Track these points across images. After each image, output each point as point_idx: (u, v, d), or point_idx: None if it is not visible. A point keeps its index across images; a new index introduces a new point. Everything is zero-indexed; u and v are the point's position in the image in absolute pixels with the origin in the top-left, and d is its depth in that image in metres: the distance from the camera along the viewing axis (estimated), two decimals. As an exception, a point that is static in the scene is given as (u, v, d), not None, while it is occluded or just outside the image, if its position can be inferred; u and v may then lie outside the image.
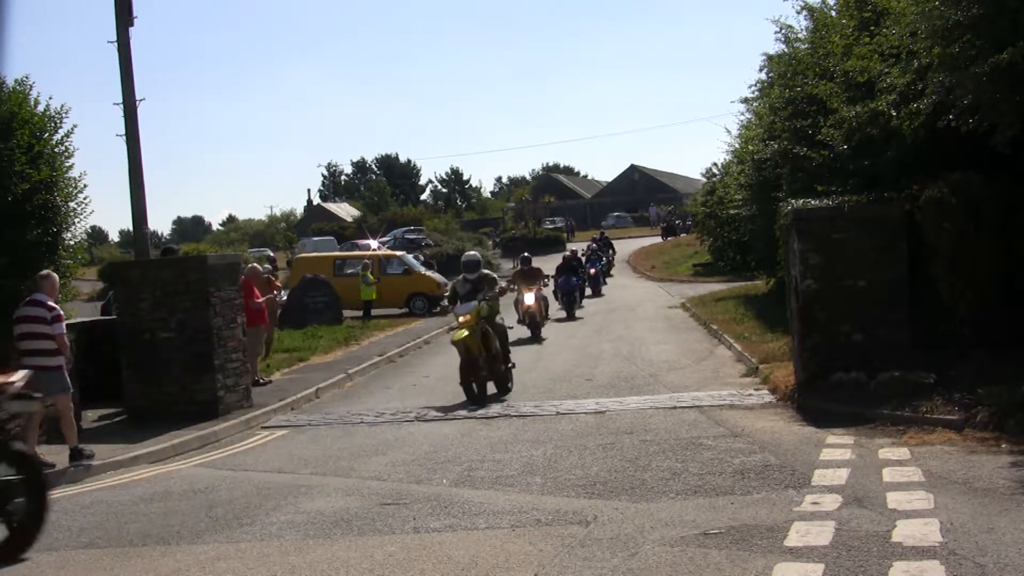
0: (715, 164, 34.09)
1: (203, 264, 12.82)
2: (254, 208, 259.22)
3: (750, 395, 11.86)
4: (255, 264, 15.65)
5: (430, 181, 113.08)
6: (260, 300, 15.25)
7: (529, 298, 20.16)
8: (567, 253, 28.21)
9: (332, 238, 51.85)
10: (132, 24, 15.97)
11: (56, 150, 11.69)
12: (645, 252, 46.76)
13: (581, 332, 20.91)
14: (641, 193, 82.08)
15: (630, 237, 58.12)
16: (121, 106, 15.87)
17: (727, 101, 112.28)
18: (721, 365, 14.87)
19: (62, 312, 10.16)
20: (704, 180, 41.24)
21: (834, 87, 12.94)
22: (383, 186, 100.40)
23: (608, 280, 36.08)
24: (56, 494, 9.05)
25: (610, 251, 40.56)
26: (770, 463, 8.18)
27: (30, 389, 7.99)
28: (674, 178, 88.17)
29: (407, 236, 49.85)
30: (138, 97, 15.94)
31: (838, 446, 8.67)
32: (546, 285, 21.46)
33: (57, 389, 9.84)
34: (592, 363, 15.99)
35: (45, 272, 10.31)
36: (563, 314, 24.37)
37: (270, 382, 15.04)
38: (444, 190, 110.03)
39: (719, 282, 29.66)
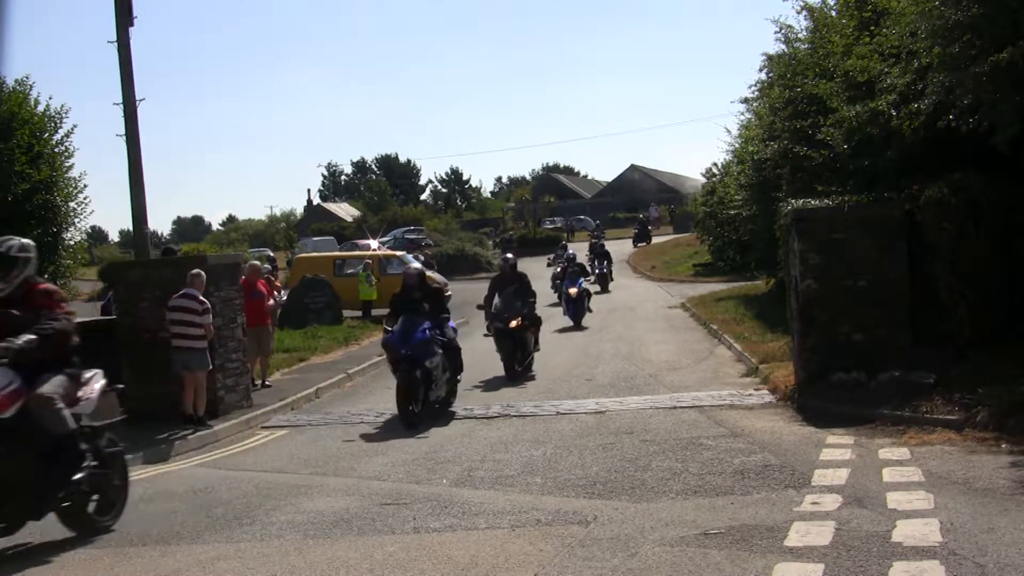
0: (715, 164, 34.07)
1: (203, 264, 12.82)
2: (254, 208, 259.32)
3: (750, 395, 11.86)
4: (254, 262, 15.64)
5: (430, 181, 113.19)
6: (270, 300, 15.25)
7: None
8: (508, 258, 16.89)
9: (332, 238, 51.84)
10: (132, 24, 15.95)
11: (56, 150, 11.70)
12: (645, 252, 46.75)
13: (581, 332, 20.90)
14: (641, 193, 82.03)
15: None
16: (121, 106, 15.85)
17: (727, 101, 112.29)
18: (721, 365, 14.87)
19: (209, 305, 11.91)
20: (704, 180, 41.16)
21: (834, 87, 12.94)
22: (383, 186, 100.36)
23: (600, 296, 29.22)
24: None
25: (605, 262, 32.81)
26: (770, 463, 8.18)
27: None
28: (674, 178, 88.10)
29: (407, 236, 49.89)
30: (138, 97, 15.91)
31: (838, 446, 8.67)
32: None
33: (203, 366, 11.79)
34: (592, 363, 15.99)
35: (196, 271, 12.01)
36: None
37: (269, 386, 14.97)
38: (444, 190, 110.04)
39: (719, 282, 29.64)
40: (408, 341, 11.72)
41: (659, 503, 7.16)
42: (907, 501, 6.62)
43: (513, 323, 14.71)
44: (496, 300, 15.16)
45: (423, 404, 11.50)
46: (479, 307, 16.22)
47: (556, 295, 25.80)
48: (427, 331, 11.86)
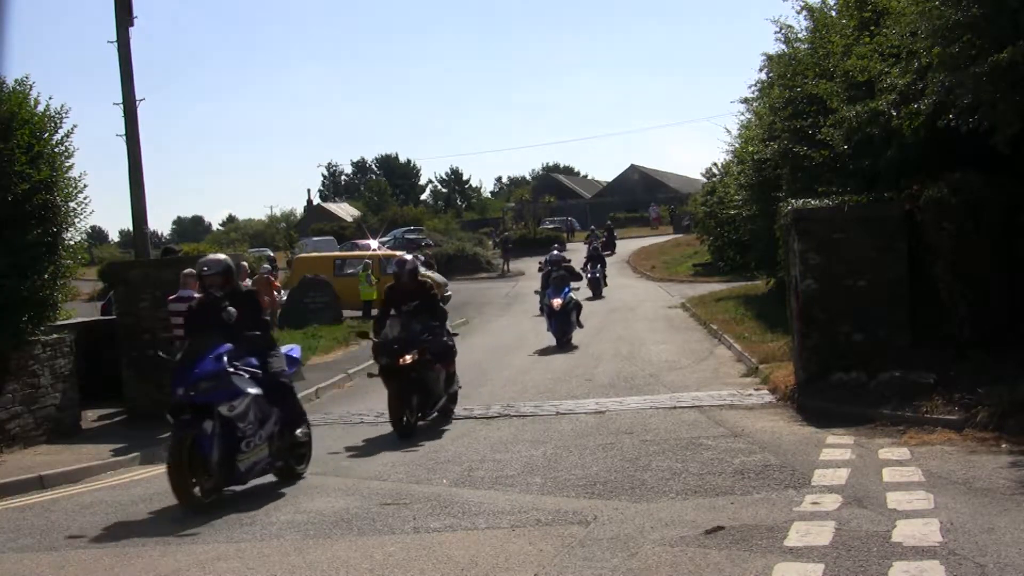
0: (715, 164, 34.07)
1: (202, 264, 12.82)
2: (254, 208, 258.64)
3: (750, 395, 11.87)
4: (242, 263, 15.61)
5: (430, 181, 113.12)
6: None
7: None
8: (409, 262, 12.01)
9: (332, 238, 51.83)
10: (132, 24, 15.96)
11: (56, 150, 11.64)
12: (645, 252, 46.76)
13: (581, 331, 20.87)
14: (641, 193, 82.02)
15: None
16: (121, 106, 15.86)
17: (727, 101, 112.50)
18: (721, 365, 14.87)
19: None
20: (704, 180, 41.09)
21: (834, 87, 12.95)
22: (383, 186, 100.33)
23: (594, 301, 26.86)
24: (56, 495, 9.09)
25: (599, 265, 30.25)
26: (770, 463, 8.18)
27: None
28: (674, 178, 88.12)
29: (407, 236, 49.83)
30: (138, 97, 15.94)
31: (838, 446, 8.67)
32: None
33: None
34: (592, 363, 15.99)
35: (188, 271, 11.73)
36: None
37: None
38: (444, 190, 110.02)
39: (719, 282, 29.66)
40: (188, 376, 7.74)
41: (659, 503, 7.16)
42: (907, 501, 6.61)
43: (408, 357, 10.68)
44: (387, 324, 11.09)
45: (222, 476, 7.88)
46: (360, 334, 12.24)
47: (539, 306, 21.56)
48: (224, 358, 7.89)
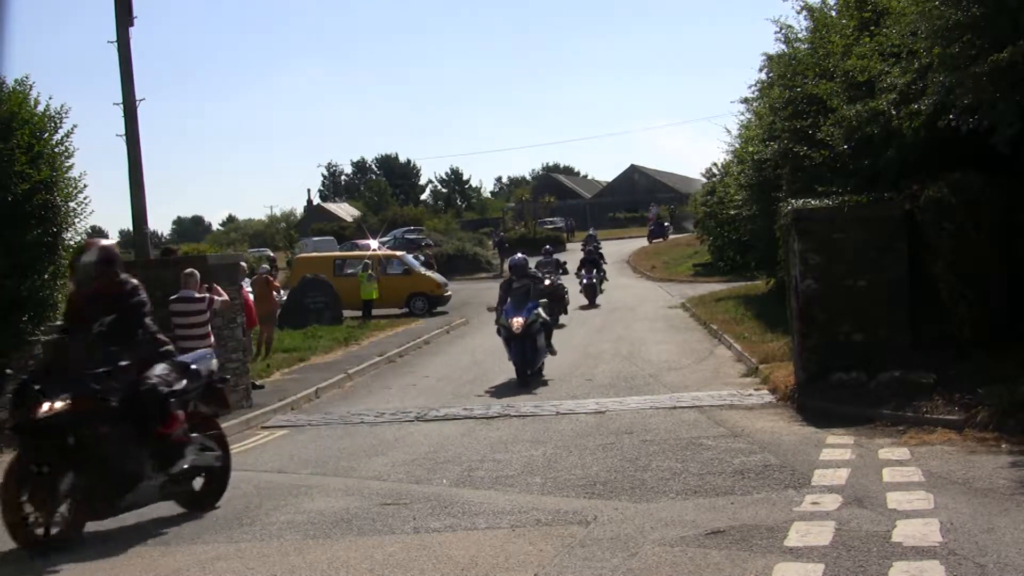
0: (715, 164, 34.04)
1: (203, 264, 12.83)
2: (254, 208, 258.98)
3: (750, 395, 11.87)
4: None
5: (430, 181, 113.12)
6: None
7: None
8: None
9: (332, 238, 51.87)
10: (132, 24, 15.99)
11: (56, 150, 11.64)
12: (645, 252, 46.77)
13: (581, 332, 20.90)
14: (641, 193, 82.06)
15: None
16: (121, 106, 15.88)
17: (727, 101, 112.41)
18: (721, 365, 14.87)
19: (208, 295, 12.11)
20: (704, 180, 41.06)
21: (834, 87, 12.95)
22: (383, 186, 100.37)
23: (588, 310, 25.56)
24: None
25: (594, 270, 27.99)
26: (770, 463, 8.18)
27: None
28: (674, 178, 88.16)
29: (407, 236, 49.87)
30: (138, 97, 15.99)
31: (838, 446, 8.67)
32: None
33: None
34: (592, 363, 15.99)
35: (189, 271, 12.01)
36: None
37: (262, 386, 14.93)
38: (444, 190, 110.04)
39: (719, 282, 29.67)
40: None
41: (659, 503, 7.16)
42: (907, 501, 6.62)
43: (59, 404, 6.51)
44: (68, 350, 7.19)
45: None
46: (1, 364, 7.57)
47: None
48: None
